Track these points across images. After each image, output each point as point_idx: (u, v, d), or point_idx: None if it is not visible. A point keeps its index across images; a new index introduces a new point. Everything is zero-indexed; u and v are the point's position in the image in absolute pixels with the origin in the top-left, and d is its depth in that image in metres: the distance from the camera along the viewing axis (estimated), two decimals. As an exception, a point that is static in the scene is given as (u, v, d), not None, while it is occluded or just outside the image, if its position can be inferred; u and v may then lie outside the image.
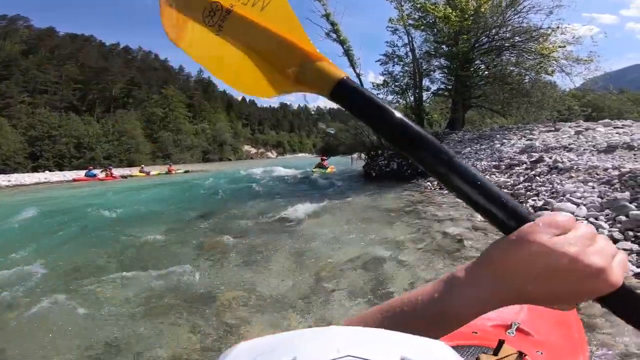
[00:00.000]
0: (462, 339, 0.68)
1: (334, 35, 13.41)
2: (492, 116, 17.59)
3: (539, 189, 4.74)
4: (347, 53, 13.54)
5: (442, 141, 11.64)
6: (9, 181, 21.25)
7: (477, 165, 7.65)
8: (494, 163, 7.37)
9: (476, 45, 13.26)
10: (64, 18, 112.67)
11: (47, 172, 30.26)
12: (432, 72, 15.19)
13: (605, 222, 3.19)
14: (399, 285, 2.60)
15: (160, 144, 51.90)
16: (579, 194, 3.93)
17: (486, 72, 14.19)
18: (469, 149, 9.79)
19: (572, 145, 6.54)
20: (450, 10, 11.73)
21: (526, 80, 13.31)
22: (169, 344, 2.04)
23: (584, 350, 0.79)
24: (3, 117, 38.51)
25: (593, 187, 4.08)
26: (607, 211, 3.37)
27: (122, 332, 2.18)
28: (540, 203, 4.15)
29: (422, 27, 13.63)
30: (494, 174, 6.59)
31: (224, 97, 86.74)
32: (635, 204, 3.21)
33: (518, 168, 6.29)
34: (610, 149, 5.55)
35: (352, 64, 13.63)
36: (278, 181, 12.67)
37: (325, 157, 16.27)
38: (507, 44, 12.82)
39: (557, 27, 11.72)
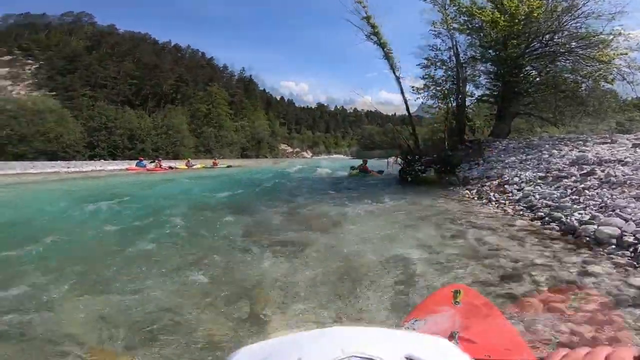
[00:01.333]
0: None
1: (375, 38, 13.43)
2: (541, 125, 16.59)
3: (588, 202, 4.52)
4: (388, 56, 13.50)
5: (485, 149, 11.25)
6: (68, 168, 23.29)
7: (522, 176, 7.35)
8: (540, 174, 7.04)
9: (527, 50, 12.60)
10: (124, 16, 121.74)
11: (102, 160, 32.83)
12: (477, 77, 14.64)
13: (658, 240, 3.02)
14: (428, 284, 2.66)
15: (203, 139, 54.52)
16: (629, 210, 3.73)
17: (537, 79, 13.43)
18: (514, 158, 9.38)
19: (627, 159, 6.11)
20: (499, 15, 11.22)
21: (582, 88, 12.40)
22: (204, 330, 2.13)
23: (526, 347, 0.82)
24: (67, 109, 42.31)
25: (648, 204, 3.85)
26: (660, 230, 3.18)
27: (160, 316, 2.29)
28: (587, 217, 3.98)
29: (468, 32, 13.19)
30: (539, 185, 6.32)
31: (263, 96, 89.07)
32: (695, 224, 3.01)
33: (566, 180, 5.98)
34: (672, 165, 5.14)
35: (392, 67, 13.56)
36: (315, 180, 12.94)
37: (366, 161, 16.20)
38: (562, 50, 12.04)
39: (620, 34, 10.86)
